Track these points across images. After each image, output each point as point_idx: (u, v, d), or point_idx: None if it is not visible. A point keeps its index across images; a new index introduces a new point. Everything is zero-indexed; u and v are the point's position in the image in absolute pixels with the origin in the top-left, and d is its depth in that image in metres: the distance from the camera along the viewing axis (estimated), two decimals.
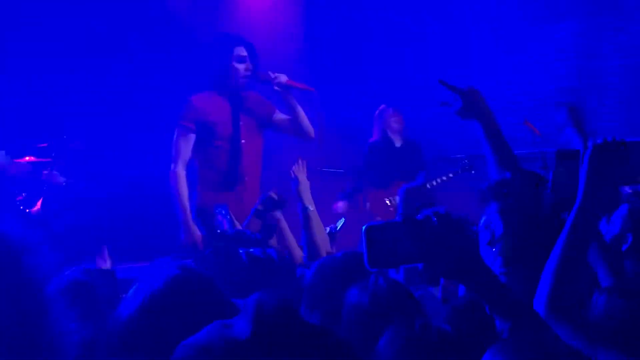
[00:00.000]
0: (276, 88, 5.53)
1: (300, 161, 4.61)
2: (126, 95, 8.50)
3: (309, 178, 4.55)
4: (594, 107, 8.52)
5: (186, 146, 5.49)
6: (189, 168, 5.53)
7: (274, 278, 2.73)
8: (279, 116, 5.73)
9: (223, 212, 4.58)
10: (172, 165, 5.47)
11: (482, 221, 2.41)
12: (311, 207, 4.33)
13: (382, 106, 7.93)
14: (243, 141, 5.57)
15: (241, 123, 5.58)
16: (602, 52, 8.89)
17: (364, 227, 1.77)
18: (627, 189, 3.27)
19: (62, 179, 7.24)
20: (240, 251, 2.82)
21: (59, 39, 8.18)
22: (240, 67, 5.55)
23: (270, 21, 9.47)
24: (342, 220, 5.02)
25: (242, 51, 5.59)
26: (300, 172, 4.52)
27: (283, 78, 5.52)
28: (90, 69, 8.38)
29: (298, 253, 4.28)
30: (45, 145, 7.38)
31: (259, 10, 9.50)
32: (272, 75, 5.53)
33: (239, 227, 4.55)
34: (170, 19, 8.80)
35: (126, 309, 1.80)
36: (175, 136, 5.53)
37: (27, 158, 7.18)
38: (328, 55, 9.81)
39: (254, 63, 5.59)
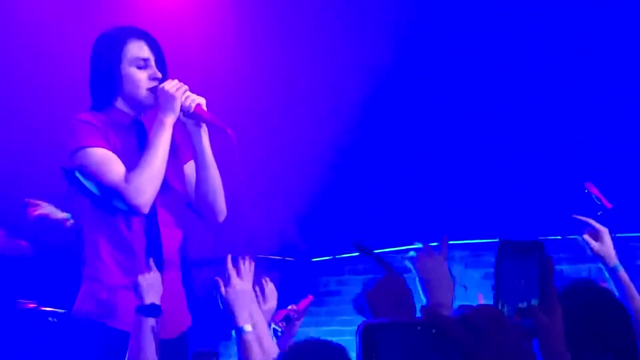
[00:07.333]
0: (183, 119, 3.39)
1: (245, 260, 3.17)
2: None
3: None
4: None
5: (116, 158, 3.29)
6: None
7: None
8: (189, 171, 3.56)
9: None
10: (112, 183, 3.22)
11: None
12: (248, 328, 3.04)
13: None
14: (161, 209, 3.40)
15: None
16: None
17: (359, 326, 1.24)
18: None
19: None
20: None
21: None
22: (141, 75, 3.39)
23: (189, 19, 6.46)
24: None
25: (141, 49, 3.40)
26: (243, 275, 3.18)
27: (198, 102, 3.37)
28: None
29: None
30: None
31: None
32: (180, 94, 3.33)
33: None
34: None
35: None
36: (87, 161, 3.26)
37: None
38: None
39: (163, 69, 3.43)
